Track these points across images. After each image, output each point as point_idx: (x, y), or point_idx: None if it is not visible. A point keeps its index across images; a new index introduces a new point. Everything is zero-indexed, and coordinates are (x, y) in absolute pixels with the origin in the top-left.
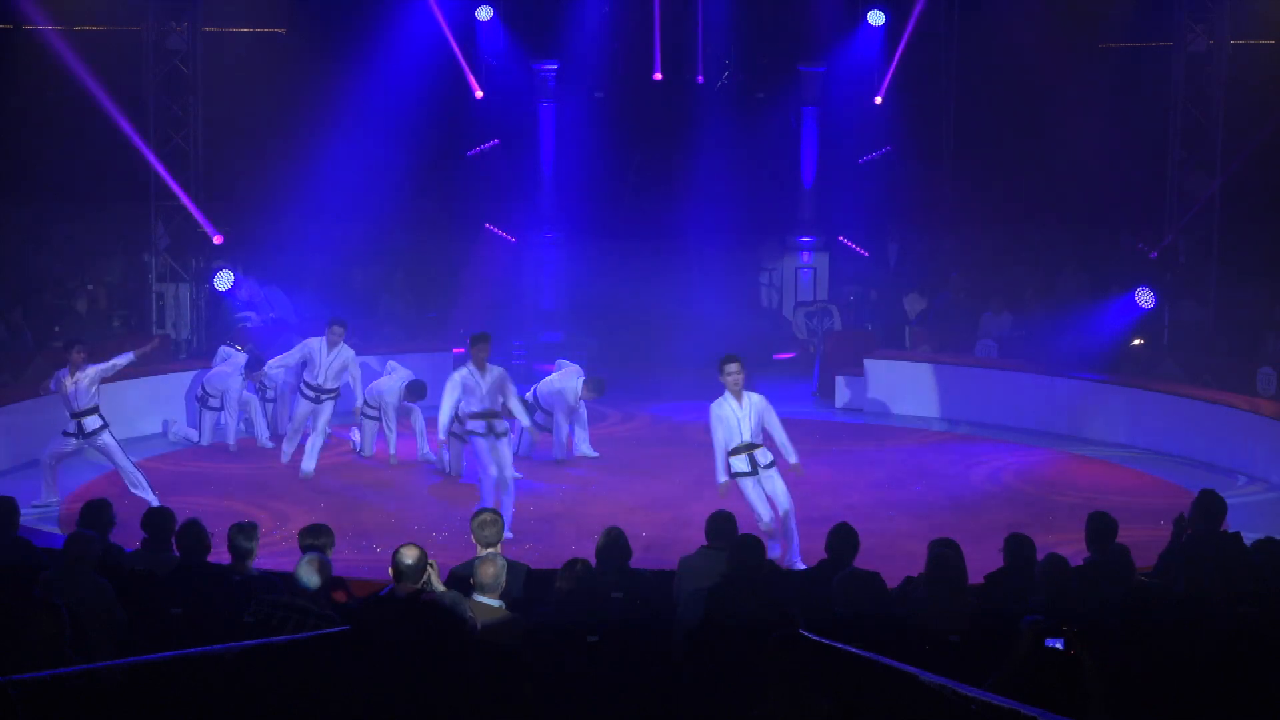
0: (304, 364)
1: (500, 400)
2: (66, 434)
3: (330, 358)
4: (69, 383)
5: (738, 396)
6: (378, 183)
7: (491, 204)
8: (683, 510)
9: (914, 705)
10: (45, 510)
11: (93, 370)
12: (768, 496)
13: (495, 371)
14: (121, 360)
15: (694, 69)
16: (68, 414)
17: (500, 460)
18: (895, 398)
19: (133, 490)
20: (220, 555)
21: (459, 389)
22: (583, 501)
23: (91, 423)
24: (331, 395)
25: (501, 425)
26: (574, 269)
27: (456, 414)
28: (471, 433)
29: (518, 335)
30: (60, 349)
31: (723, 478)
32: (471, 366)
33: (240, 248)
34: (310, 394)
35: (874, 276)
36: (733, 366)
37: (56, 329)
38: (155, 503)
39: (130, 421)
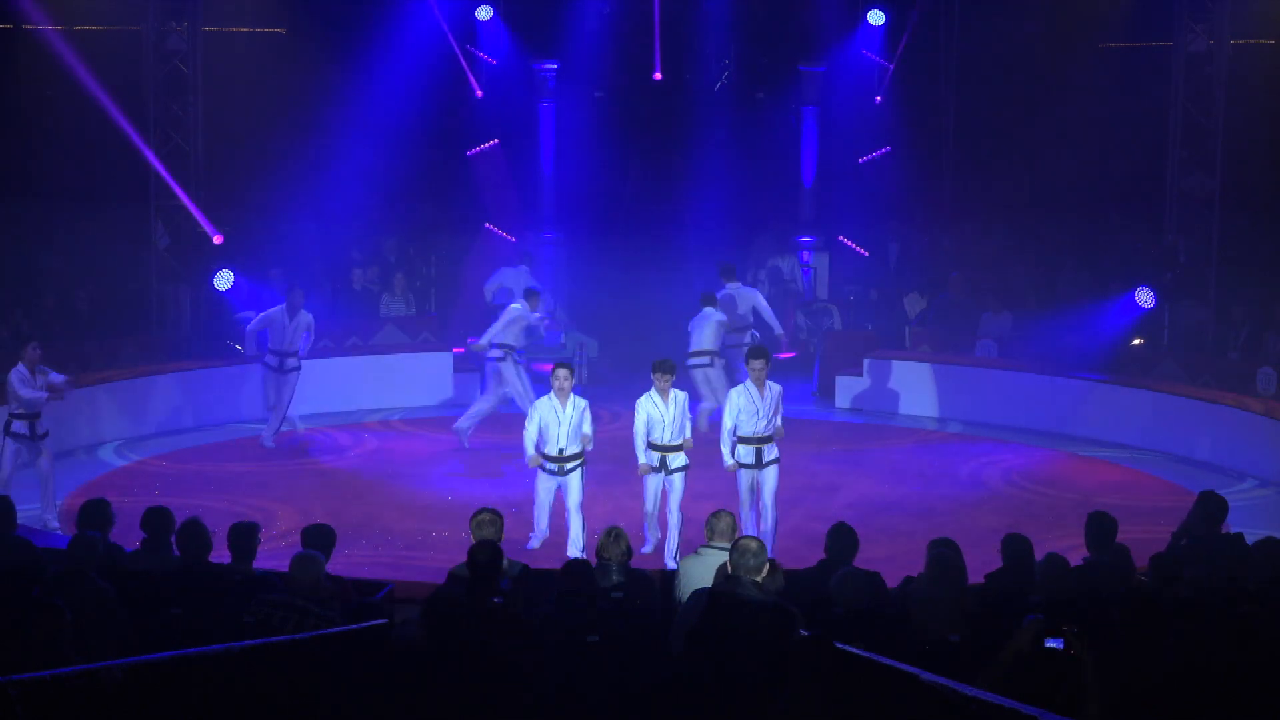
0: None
1: (579, 434)
2: (14, 434)
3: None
4: (33, 382)
5: (760, 386)
6: (378, 182)
7: (491, 204)
8: (682, 510)
9: (914, 705)
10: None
11: (54, 377)
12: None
13: (573, 402)
14: (56, 379)
15: (694, 69)
16: (15, 412)
17: (568, 491)
18: (895, 398)
19: (42, 503)
20: (220, 555)
21: (537, 421)
22: (582, 501)
23: (42, 425)
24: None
25: (571, 464)
26: (574, 269)
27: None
28: (546, 470)
29: None
30: (17, 346)
31: (729, 460)
32: (554, 398)
33: (240, 248)
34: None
35: (874, 276)
36: (757, 363)
37: (56, 329)
38: (54, 523)
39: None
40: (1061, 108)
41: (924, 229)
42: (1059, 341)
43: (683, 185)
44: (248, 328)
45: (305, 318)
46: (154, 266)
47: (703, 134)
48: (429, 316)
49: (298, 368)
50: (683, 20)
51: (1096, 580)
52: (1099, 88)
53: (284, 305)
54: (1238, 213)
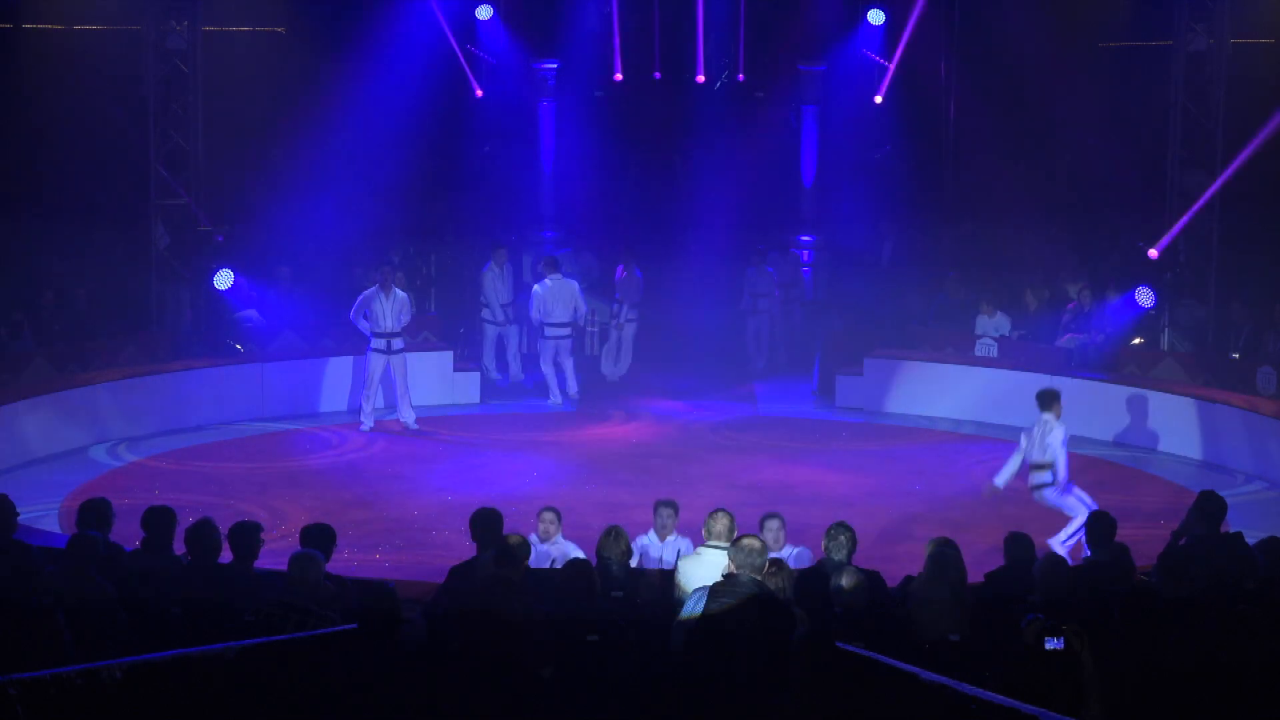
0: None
1: None
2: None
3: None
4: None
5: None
6: (377, 182)
7: (491, 204)
8: (683, 509)
9: (914, 705)
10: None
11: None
12: None
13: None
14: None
15: (694, 69)
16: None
17: None
18: (895, 397)
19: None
20: (221, 554)
21: None
22: (582, 501)
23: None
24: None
25: None
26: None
27: None
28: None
29: None
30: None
31: None
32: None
33: (241, 247)
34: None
35: (873, 275)
36: (774, 523)
37: (56, 328)
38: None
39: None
40: (1062, 107)
41: (923, 228)
42: (1058, 341)
43: (682, 185)
44: (350, 314)
45: (400, 296)
46: (154, 266)
47: (703, 133)
48: (429, 316)
49: (404, 348)
50: (683, 20)
51: (1096, 579)
52: (1099, 88)
53: (377, 287)
54: (1238, 213)
